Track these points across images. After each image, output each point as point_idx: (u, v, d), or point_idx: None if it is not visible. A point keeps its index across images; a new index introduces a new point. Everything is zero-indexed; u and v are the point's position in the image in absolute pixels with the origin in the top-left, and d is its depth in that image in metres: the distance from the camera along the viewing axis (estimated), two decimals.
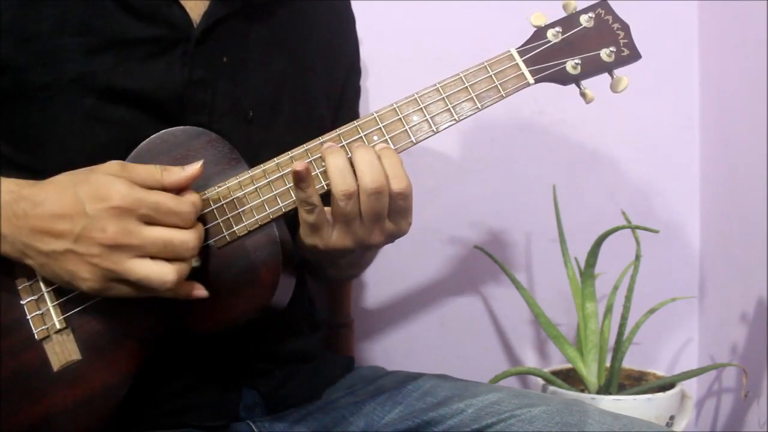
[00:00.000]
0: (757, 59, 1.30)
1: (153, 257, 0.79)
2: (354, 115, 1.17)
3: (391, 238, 0.88)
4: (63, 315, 0.86)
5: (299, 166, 0.83)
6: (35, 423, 0.85)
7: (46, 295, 0.86)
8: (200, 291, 0.84)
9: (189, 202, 0.82)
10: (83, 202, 0.79)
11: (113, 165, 0.82)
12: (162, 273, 0.79)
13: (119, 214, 0.78)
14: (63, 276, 0.81)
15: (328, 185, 0.85)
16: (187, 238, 0.80)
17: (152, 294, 0.81)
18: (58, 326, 0.85)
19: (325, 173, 0.85)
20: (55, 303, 0.86)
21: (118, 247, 0.78)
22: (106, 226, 0.78)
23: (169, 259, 0.80)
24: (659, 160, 1.51)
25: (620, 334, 1.31)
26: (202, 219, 0.87)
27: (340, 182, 0.84)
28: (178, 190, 0.83)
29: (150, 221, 0.80)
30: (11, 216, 0.80)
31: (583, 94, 0.90)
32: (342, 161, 0.84)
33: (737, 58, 1.41)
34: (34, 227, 0.80)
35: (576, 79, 0.89)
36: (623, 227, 1.29)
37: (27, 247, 0.81)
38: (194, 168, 0.83)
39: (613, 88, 0.90)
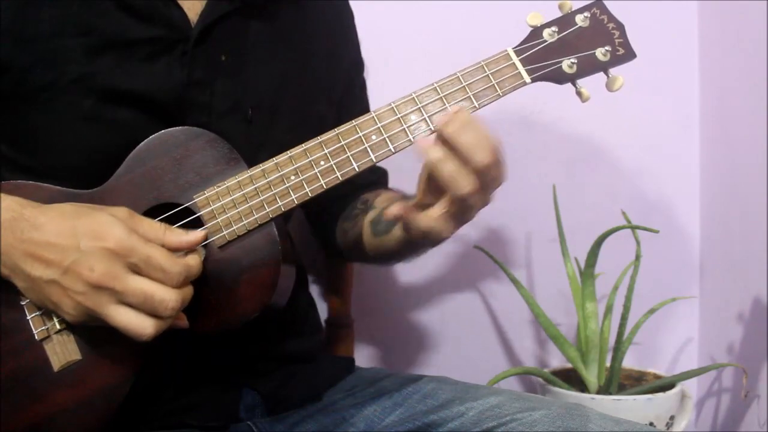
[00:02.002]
0: (757, 59, 1.30)
1: (134, 307, 0.79)
2: (364, 108, 1.17)
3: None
4: None
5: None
6: (36, 423, 0.85)
7: None
8: (181, 322, 0.84)
9: (182, 263, 0.81)
10: (79, 237, 0.79)
11: (122, 210, 0.82)
12: (140, 326, 0.79)
13: (110, 255, 0.78)
14: (47, 303, 0.82)
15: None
16: (169, 297, 0.79)
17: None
18: (58, 326, 0.85)
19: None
20: None
21: (101, 288, 0.78)
22: (95, 265, 0.78)
23: (149, 313, 0.79)
24: (659, 160, 1.51)
25: (620, 334, 1.31)
26: (201, 218, 0.87)
27: (462, 183, 0.81)
28: (177, 251, 0.82)
29: (137, 271, 0.79)
30: (9, 235, 0.80)
31: (579, 93, 0.90)
32: (452, 166, 0.81)
33: (737, 58, 1.41)
34: (27, 251, 0.80)
35: (572, 79, 0.89)
36: (623, 227, 1.29)
37: (17, 267, 0.81)
38: (197, 235, 0.83)
39: (609, 87, 0.90)
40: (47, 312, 0.85)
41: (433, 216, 0.85)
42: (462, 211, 0.84)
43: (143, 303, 0.78)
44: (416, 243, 0.96)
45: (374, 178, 1.16)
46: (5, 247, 0.80)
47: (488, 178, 0.82)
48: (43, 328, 0.85)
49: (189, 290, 0.82)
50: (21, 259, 0.80)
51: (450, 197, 0.82)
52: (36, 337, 0.85)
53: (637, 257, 1.30)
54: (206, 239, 0.84)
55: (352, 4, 1.19)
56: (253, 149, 0.92)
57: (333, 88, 1.10)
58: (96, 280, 0.78)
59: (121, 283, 0.78)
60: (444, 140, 0.81)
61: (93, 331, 0.85)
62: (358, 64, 1.19)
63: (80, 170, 0.90)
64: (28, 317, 0.86)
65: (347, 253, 1.16)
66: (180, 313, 0.82)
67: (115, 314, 0.79)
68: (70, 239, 0.79)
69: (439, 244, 0.93)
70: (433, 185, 0.85)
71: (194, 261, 0.82)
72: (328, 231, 1.17)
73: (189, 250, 0.83)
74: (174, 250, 0.82)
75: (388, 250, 1.02)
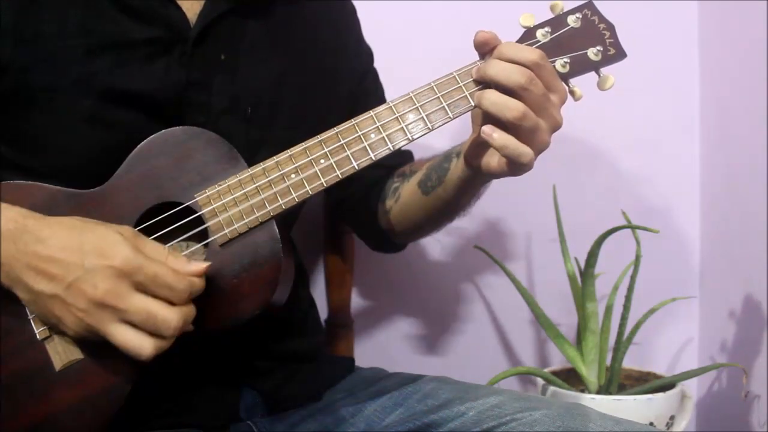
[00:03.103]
0: (757, 59, 1.30)
1: (136, 326, 0.79)
2: (380, 96, 1.18)
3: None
4: None
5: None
6: (38, 422, 0.85)
7: None
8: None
9: (188, 280, 0.80)
10: (84, 254, 0.78)
11: (127, 229, 0.82)
12: (139, 346, 0.79)
13: (115, 274, 0.78)
14: (49, 317, 0.82)
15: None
16: (171, 317, 0.79)
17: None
18: None
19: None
20: None
21: (103, 306, 0.78)
22: (98, 282, 0.78)
23: (151, 332, 0.79)
24: (659, 160, 1.51)
25: (620, 334, 1.31)
26: (202, 217, 0.87)
27: (507, 110, 0.84)
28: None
29: (143, 290, 0.79)
30: (12, 246, 0.80)
31: (571, 92, 0.91)
32: (494, 95, 0.85)
33: (737, 58, 1.41)
34: (30, 264, 0.79)
35: (565, 78, 0.91)
36: (623, 227, 1.28)
37: (19, 280, 0.81)
38: (200, 266, 0.82)
39: (600, 86, 0.91)
40: None
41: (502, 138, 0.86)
42: (527, 133, 0.86)
43: (145, 322, 0.78)
44: (476, 179, 0.99)
45: (403, 159, 1.17)
46: (7, 259, 0.80)
47: (534, 96, 0.85)
48: (45, 327, 0.85)
49: (191, 310, 0.82)
50: (24, 271, 0.80)
51: (506, 125, 0.85)
52: (37, 337, 0.85)
53: (637, 257, 1.30)
54: (207, 269, 0.83)
55: (353, 3, 1.19)
56: (253, 148, 0.93)
57: (336, 85, 1.10)
58: (99, 298, 0.78)
59: (125, 301, 0.78)
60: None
61: None
62: (367, 55, 1.19)
63: (80, 170, 0.90)
64: (30, 317, 0.86)
65: (395, 231, 1.16)
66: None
67: (116, 332, 0.79)
68: (76, 255, 0.79)
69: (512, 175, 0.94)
70: (487, 115, 0.88)
71: (198, 279, 0.82)
72: (370, 219, 1.17)
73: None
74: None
75: (444, 202, 1.04)
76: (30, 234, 0.80)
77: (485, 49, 0.88)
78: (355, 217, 1.21)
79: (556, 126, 0.89)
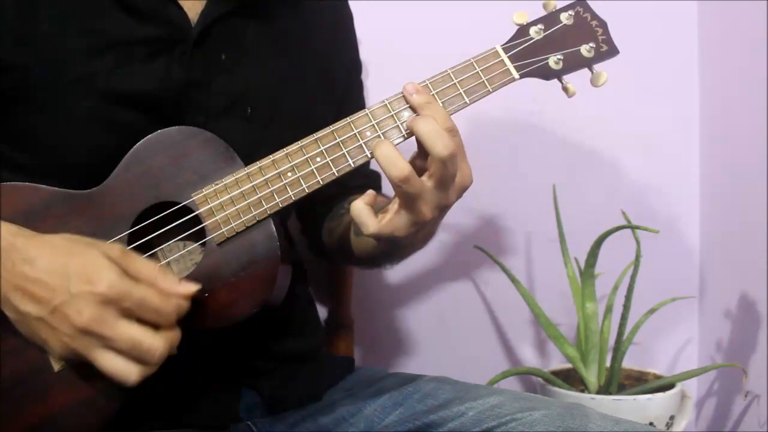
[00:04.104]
0: (757, 59, 1.30)
1: (121, 353, 0.78)
2: (360, 108, 1.16)
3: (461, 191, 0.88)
4: None
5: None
6: (37, 423, 0.85)
7: None
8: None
9: (174, 303, 0.80)
10: (70, 278, 0.78)
11: (116, 248, 0.81)
12: (125, 373, 0.78)
13: (101, 301, 0.77)
14: (35, 338, 0.81)
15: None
16: (156, 345, 0.78)
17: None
18: None
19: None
20: None
21: (88, 332, 0.77)
22: (83, 309, 0.77)
23: (136, 359, 0.78)
24: (659, 160, 1.51)
25: (620, 334, 1.31)
26: (199, 216, 0.87)
27: (393, 169, 0.81)
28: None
29: (130, 314, 0.78)
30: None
31: (565, 89, 0.92)
32: (388, 149, 0.82)
33: (737, 58, 1.41)
34: (17, 285, 0.79)
35: (558, 74, 0.92)
36: (623, 227, 1.28)
37: (6, 299, 0.80)
38: (190, 288, 0.81)
39: (594, 82, 0.92)
40: None
41: (386, 217, 0.85)
42: (411, 206, 0.84)
43: (131, 350, 0.78)
44: (386, 247, 0.96)
45: (365, 182, 1.15)
46: None
47: (444, 174, 0.82)
48: None
49: (177, 334, 0.81)
50: (11, 292, 0.79)
51: (398, 191, 0.83)
52: None
53: (637, 257, 1.30)
54: (197, 292, 0.82)
55: (351, 3, 1.19)
56: (252, 148, 0.92)
57: (332, 87, 1.10)
58: (83, 325, 0.77)
59: (110, 329, 0.77)
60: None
61: None
62: (357, 65, 1.19)
63: (80, 170, 0.90)
64: None
65: (332, 254, 1.16)
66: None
67: (101, 359, 0.78)
68: (61, 280, 0.78)
69: (406, 250, 0.94)
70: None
71: (184, 301, 0.81)
72: (315, 230, 1.17)
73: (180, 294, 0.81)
74: (165, 295, 0.80)
75: (369, 252, 1.02)
76: (18, 253, 0.79)
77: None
78: (304, 223, 1.21)
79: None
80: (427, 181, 0.83)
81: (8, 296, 0.79)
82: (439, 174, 0.82)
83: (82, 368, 0.83)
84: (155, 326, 0.79)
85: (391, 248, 0.98)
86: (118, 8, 0.92)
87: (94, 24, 0.92)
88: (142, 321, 0.79)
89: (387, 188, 1.19)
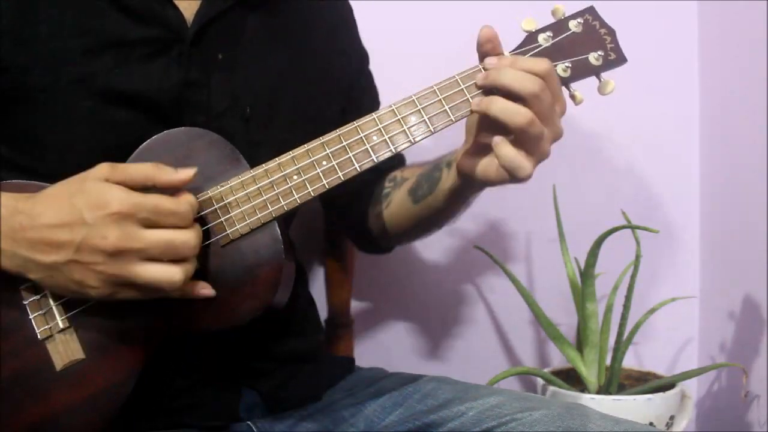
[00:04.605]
0: (757, 59, 1.30)
1: (156, 260, 0.79)
2: (374, 98, 1.19)
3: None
4: (66, 314, 0.86)
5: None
6: (38, 422, 0.85)
7: (48, 295, 0.86)
8: (207, 290, 0.84)
9: (186, 201, 0.82)
10: (81, 211, 0.78)
11: (102, 168, 0.81)
12: (169, 274, 0.80)
13: (119, 219, 0.78)
14: (70, 286, 0.81)
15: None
16: (188, 237, 0.81)
17: (161, 295, 0.81)
18: (61, 325, 0.85)
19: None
20: (58, 303, 0.86)
21: (120, 252, 0.78)
22: (106, 233, 0.78)
23: (172, 260, 0.80)
24: (659, 160, 1.51)
25: (620, 334, 1.31)
26: (204, 218, 0.87)
27: (517, 116, 0.85)
28: (172, 191, 0.82)
29: (149, 224, 0.80)
30: (9, 230, 0.80)
31: (572, 97, 0.92)
32: (502, 102, 0.86)
33: (737, 58, 1.41)
34: (33, 239, 0.79)
35: (566, 82, 0.91)
36: (623, 227, 1.28)
37: (28, 261, 0.80)
38: (187, 172, 0.83)
39: (601, 90, 0.92)
40: (50, 312, 0.86)
41: (507, 152, 0.87)
42: (531, 141, 0.86)
43: (165, 251, 0.79)
44: (468, 189, 1.00)
45: (394, 163, 1.17)
46: (9, 244, 0.80)
47: (543, 105, 0.86)
48: (46, 327, 0.85)
49: (198, 227, 0.83)
50: (29, 249, 0.80)
51: (512, 132, 0.86)
52: (38, 337, 0.85)
53: (637, 257, 1.30)
54: (195, 175, 0.83)
55: (351, 4, 1.19)
56: (252, 147, 0.93)
57: (334, 85, 1.10)
58: (113, 246, 0.78)
59: (139, 240, 0.79)
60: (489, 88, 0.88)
61: (96, 330, 0.86)
62: (363, 56, 1.19)
63: (80, 170, 0.89)
64: (30, 316, 0.86)
65: (383, 235, 1.16)
66: (203, 283, 0.84)
67: (142, 272, 0.79)
68: (74, 216, 0.79)
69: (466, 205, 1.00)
70: (486, 124, 0.90)
71: (191, 197, 0.83)
72: (360, 220, 1.17)
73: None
74: (168, 189, 0.82)
75: (434, 210, 1.05)
76: (23, 214, 0.80)
77: (487, 46, 0.89)
78: (346, 218, 1.21)
79: (557, 136, 0.89)
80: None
81: (28, 255, 0.80)
82: (542, 107, 0.86)
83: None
84: (177, 228, 0.81)
85: (464, 205, 1.06)
86: (115, 9, 0.92)
87: (93, 24, 0.92)
88: (163, 227, 0.80)
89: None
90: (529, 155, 0.87)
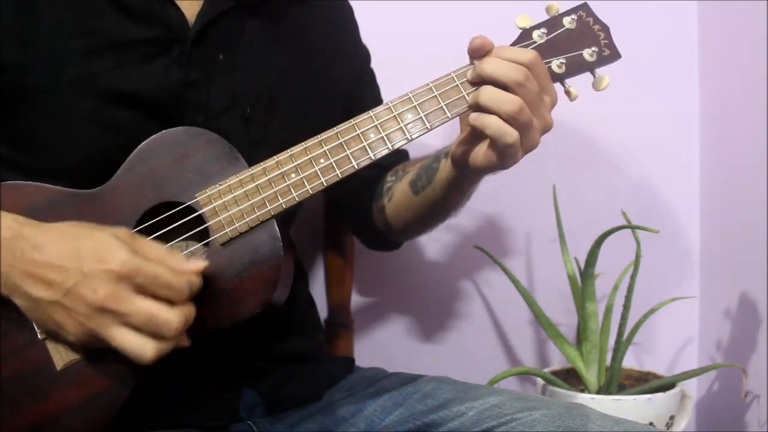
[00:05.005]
0: (757, 59, 1.30)
1: (137, 328, 0.78)
2: (376, 96, 1.19)
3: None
4: None
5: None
6: (38, 422, 0.85)
7: None
8: (183, 341, 0.83)
9: (186, 278, 0.80)
10: (82, 258, 0.78)
11: (123, 231, 0.81)
12: (141, 350, 0.78)
13: (115, 278, 0.77)
14: (49, 324, 0.81)
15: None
16: (172, 318, 0.78)
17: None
18: None
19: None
20: None
21: (104, 310, 0.77)
22: (98, 287, 0.77)
23: (153, 334, 0.78)
24: (659, 160, 1.51)
25: (620, 334, 1.31)
26: (203, 216, 0.87)
27: (504, 103, 0.85)
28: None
29: (143, 291, 0.78)
30: (8, 254, 0.79)
31: (567, 93, 0.93)
32: (492, 90, 0.86)
33: (737, 58, 1.40)
34: (27, 271, 0.79)
35: (560, 78, 0.92)
36: (623, 227, 1.28)
37: (17, 288, 0.80)
38: (198, 265, 0.81)
39: (596, 86, 0.93)
40: None
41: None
42: (520, 129, 0.87)
43: (147, 324, 0.78)
44: (464, 179, 1.00)
45: (398, 158, 1.18)
46: (5, 267, 0.79)
47: (529, 93, 0.86)
48: None
49: (191, 309, 0.81)
50: (21, 279, 0.79)
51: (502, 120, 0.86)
52: (38, 336, 0.85)
53: (637, 257, 1.30)
54: (206, 268, 0.82)
55: (351, 4, 1.19)
56: (252, 147, 0.93)
57: (335, 85, 1.10)
58: (99, 302, 0.77)
59: (125, 304, 0.77)
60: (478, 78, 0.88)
61: None
62: (364, 56, 1.20)
63: (80, 170, 0.90)
64: None
65: (389, 229, 1.17)
66: (181, 334, 0.81)
67: (117, 336, 0.78)
68: (73, 261, 0.78)
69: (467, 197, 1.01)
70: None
71: (196, 277, 0.81)
72: (365, 217, 1.18)
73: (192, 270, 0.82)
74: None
75: (433, 202, 1.05)
76: (26, 241, 0.79)
77: (479, 54, 0.89)
78: (351, 215, 1.22)
79: (546, 127, 0.90)
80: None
81: (19, 284, 0.79)
82: (528, 95, 0.86)
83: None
84: (170, 303, 0.79)
85: (462, 197, 1.06)
86: (115, 9, 0.93)
87: (93, 25, 0.92)
88: (156, 298, 0.79)
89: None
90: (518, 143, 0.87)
